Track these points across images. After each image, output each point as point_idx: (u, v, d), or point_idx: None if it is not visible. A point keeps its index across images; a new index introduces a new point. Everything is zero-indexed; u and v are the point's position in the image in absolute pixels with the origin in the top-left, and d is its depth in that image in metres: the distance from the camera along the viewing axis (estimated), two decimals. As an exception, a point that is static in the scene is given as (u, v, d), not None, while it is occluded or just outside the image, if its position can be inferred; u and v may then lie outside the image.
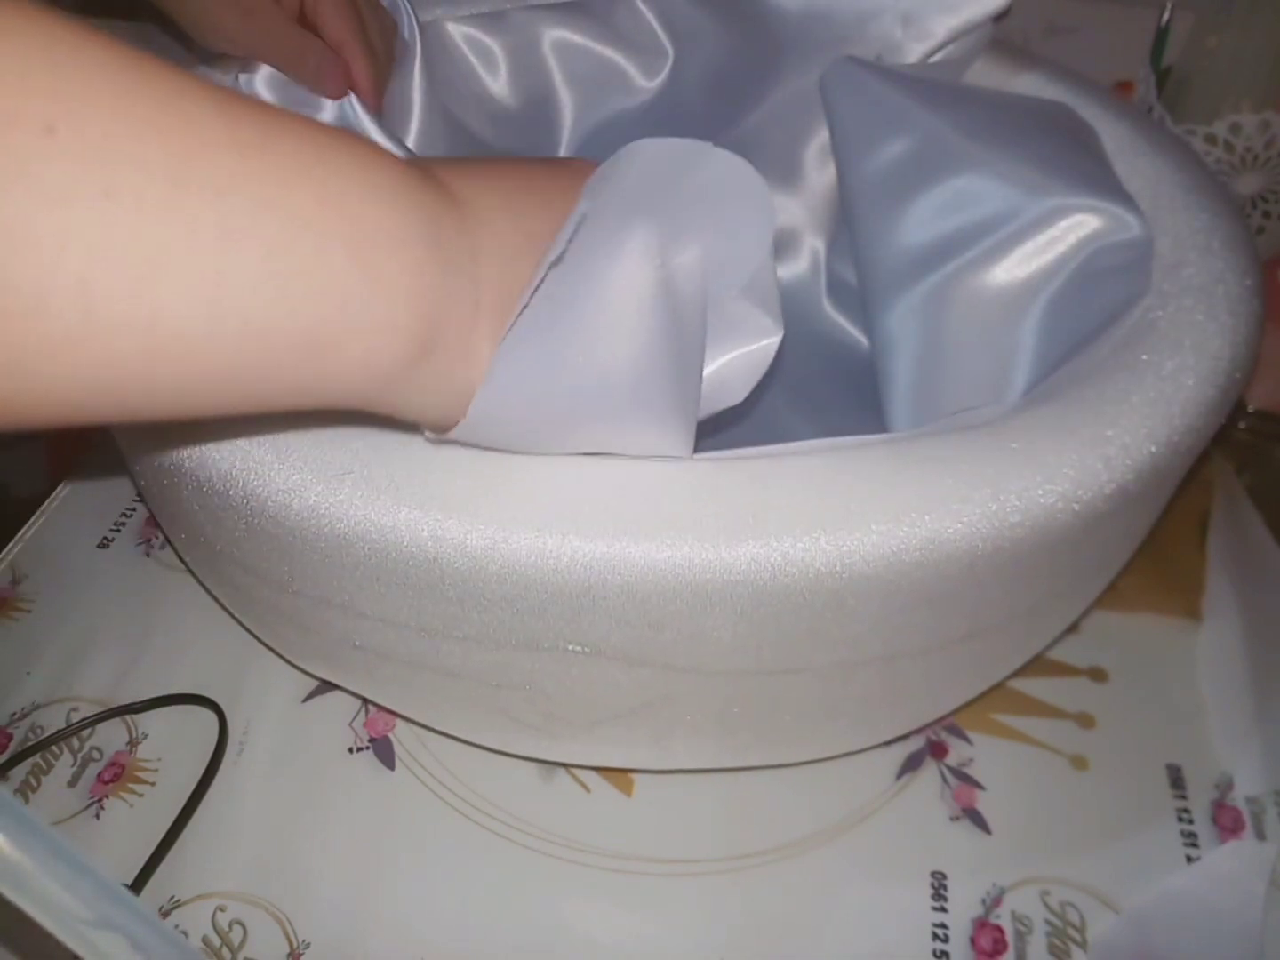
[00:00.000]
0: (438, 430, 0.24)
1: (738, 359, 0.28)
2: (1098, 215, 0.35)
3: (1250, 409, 0.48)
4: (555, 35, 0.47)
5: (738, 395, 0.29)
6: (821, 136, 0.45)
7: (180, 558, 0.40)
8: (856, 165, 0.41)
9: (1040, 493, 0.25)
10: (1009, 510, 0.25)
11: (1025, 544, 0.25)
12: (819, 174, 0.46)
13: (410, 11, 0.44)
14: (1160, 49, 0.52)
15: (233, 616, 0.39)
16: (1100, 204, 0.35)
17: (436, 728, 0.36)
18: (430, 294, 0.20)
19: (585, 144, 0.49)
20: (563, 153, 0.50)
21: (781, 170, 0.46)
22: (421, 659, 0.29)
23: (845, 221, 0.44)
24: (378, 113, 0.41)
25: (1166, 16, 0.52)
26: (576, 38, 0.47)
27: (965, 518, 0.25)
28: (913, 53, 0.41)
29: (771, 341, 0.28)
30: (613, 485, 0.25)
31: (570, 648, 0.27)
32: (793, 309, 0.48)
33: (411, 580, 0.26)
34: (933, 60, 0.41)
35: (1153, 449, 0.27)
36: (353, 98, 0.40)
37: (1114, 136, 0.38)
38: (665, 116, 0.48)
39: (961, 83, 0.42)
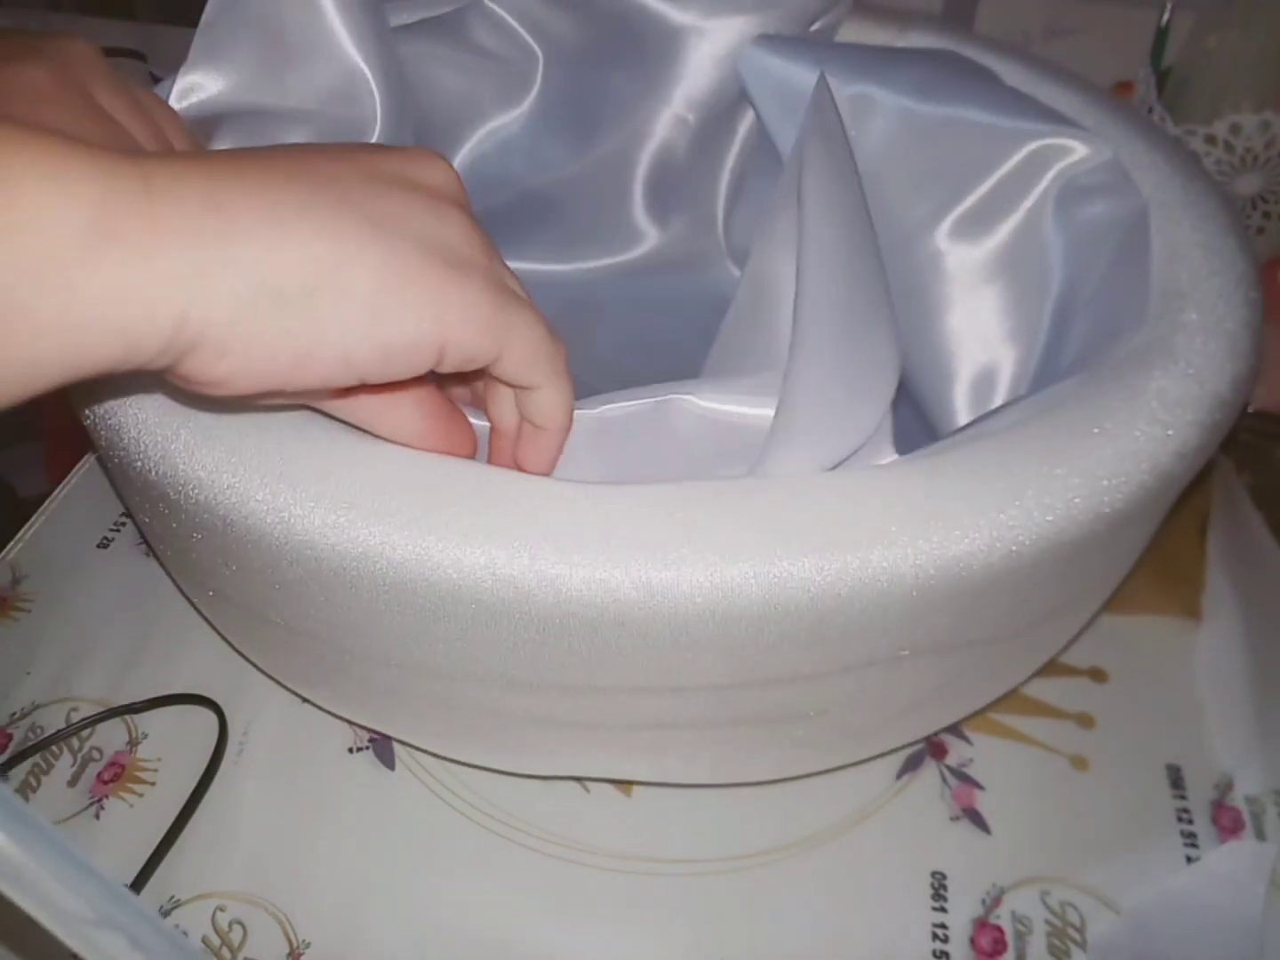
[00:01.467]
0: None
1: None
2: (1073, 140, 0.36)
3: (1250, 409, 0.48)
4: (415, 52, 0.44)
5: None
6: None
7: (179, 586, 0.40)
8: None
9: (1049, 507, 0.25)
10: (1017, 527, 0.25)
11: (1034, 559, 0.25)
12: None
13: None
14: (1160, 49, 0.52)
15: (234, 647, 0.39)
16: (1066, 130, 0.36)
17: (441, 755, 0.36)
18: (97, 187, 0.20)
19: (475, 164, 0.47)
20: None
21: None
22: (449, 699, 0.29)
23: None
24: None
25: (1166, 17, 0.52)
26: (440, 51, 0.44)
27: (975, 535, 0.25)
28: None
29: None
30: (634, 512, 0.25)
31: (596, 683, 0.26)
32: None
33: (441, 614, 0.25)
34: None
35: (1160, 460, 0.27)
36: None
37: (1110, 139, 0.38)
38: (545, 125, 0.46)
39: (865, 46, 0.43)
